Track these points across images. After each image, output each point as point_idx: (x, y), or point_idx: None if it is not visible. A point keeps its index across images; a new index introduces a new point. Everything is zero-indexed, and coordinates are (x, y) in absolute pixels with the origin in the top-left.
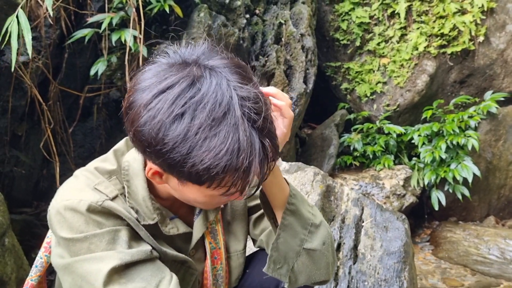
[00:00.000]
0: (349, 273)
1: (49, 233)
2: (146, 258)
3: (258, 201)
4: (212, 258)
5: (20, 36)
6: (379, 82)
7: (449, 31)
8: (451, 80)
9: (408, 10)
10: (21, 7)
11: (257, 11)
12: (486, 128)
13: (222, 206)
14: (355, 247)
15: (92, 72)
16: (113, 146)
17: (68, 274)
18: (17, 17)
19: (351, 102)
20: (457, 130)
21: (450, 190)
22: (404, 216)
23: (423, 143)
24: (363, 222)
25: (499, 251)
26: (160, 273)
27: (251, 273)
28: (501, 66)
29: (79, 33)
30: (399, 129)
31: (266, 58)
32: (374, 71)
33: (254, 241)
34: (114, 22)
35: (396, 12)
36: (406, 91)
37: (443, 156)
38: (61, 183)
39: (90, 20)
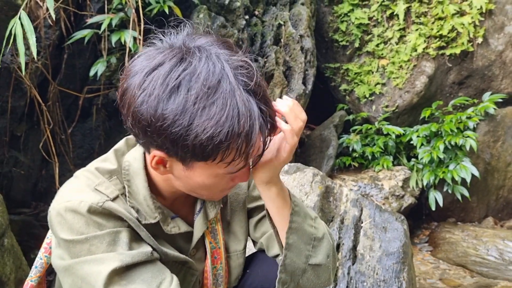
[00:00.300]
0: (348, 273)
1: (49, 233)
2: (147, 259)
3: (258, 203)
4: (212, 257)
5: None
6: (378, 83)
7: (448, 33)
8: (449, 82)
9: (407, 11)
10: (22, 9)
11: (256, 12)
12: (484, 129)
13: (221, 205)
14: (354, 247)
15: (91, 73)
16: (112, 147)
17: (68, 275)
18: (19, 19)
19: (350, 103)
20: (456, 131)
21: (449, 191)
22: (403, 217)
23: (422, 144)
24: (362, 222)
25: (498, 252)
26: (160, 274)
27: (252, 273)
28: (499, 67)
29: (79, 34)
30: (398, 130)
31: (265, 59)
32: (373, 72)
33: (254, 243)
34: (113, 23)
35: (395, 13)
36: (405, 92)
37: (442, 157)
38: (60, 183)
39: (90, 21)
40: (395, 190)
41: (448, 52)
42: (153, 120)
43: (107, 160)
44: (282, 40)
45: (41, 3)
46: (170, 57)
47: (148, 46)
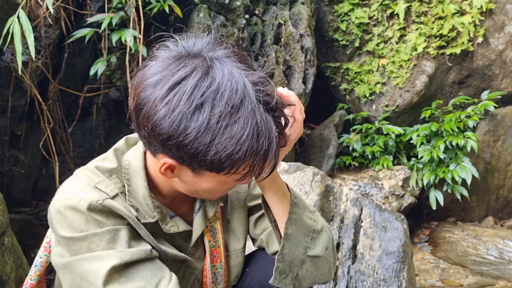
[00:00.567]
0: (348, 273)
1: (49, 232)
2: (146, 257)
3: (258, 202)
4: (211, 256)
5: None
6: (378, 82)
7: (448, 32)
8: (450, 81)
9: (407, 11)
10: (21, 7)
11: (256, 12)
12: (485, 128)
13: (221, 204)
14: (354, 247)
15: (92, 72)
16: (112, 146)
17: (68, 273)
18: (18, 18)
19: (350, 103)
20: (456, 130)
21: (449, 191)
22: (403, 216)
23: (422, 143)
24: (362, 222)
25: (498, 251)
26: (159, 272)
27: (251, 272)
28: (499, 67)
29: (79, 33)
30: (398, 129)
31: (265, 59)
32: (373, 72)
33: (253, 240)
34: (113, 22)
35: (395, 12)
36: (405, 92)
37: (442, 156)
38: (60, 182)
39: (90, 20)
40: (395, 189)
41: (448, 51)
42: (174, 135)
43: (107, 159)
44: (282, 40)
45: (41, 2)
46: (193, 70)
47: (160, 49)
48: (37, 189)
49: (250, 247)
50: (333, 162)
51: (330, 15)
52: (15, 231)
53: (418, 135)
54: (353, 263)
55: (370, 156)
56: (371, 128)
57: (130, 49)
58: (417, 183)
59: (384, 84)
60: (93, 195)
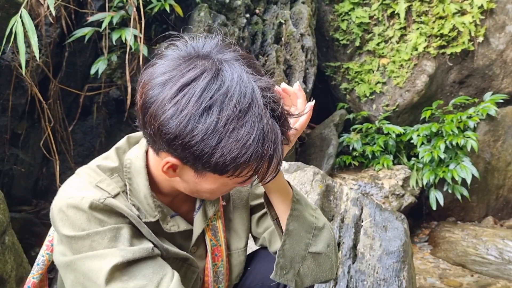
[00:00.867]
0: (348, 272)
1: (51, 231)
2: (148, 255)
3: (261, 200)
4: (213, 255)
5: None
6: (378, 82)
7: (449, 32)
8: (450, 81)
9: (408, 10)
10: (23, 7)
11: (257, 11)
12: (485, 128)
13: (223, 203)
14: (354, 246)
15: (92, 71)
16: (113, 144)
17: (70, 271)
18: (20, 17)
19: (350, 102)
20: (456, 131)
21: (449, 191)
22: (403, 216)
23: (422, 143)
24: (362, 221)
25: (497, 251)
26: (161, 270)
27: (253, 271)
28: (500, 66)
29: (80, 32)
30: (398, 129)
31: (266, 58)
32: (373, 71)
33: (255, 239)
34: (114, 21)
35: (396, 12)
36: (406, 91)
37: (442, 157)
38: (60, 181)
39: (91, 19)
40: (395, 189)
41: (448, 51)
42: (181, 135)
43: (108, 158)
44: (282, 39)
45: (42, 1)
46: (202, 72)
47: (169, 49)
48: (38, 188)
49: (252, 247)
50: (333, 161)
51: (330, 15)
52: (15, 230)
53: (418, 135)
54: (353, 263)
55: (370, 156)
56: (371, 127)
57: (131, 48)
58: (417, 182)
59: (384, 83)
60: (95, 194)
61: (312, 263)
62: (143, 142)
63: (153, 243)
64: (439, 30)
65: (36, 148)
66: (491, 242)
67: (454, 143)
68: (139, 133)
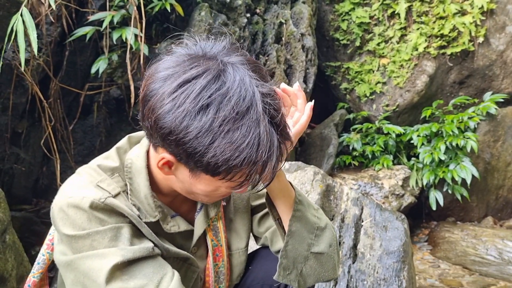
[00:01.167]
0: (349, 272)
1: (51, 230)
2: (148, 255)
3: (262, 201)
4: (213, 255)
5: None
6: (378, 82)
7: (449, 32)
8: (450, 81)
9: (408, 10)
10: (24, 5)
11: (257, 10)
12: (485, 129)
13: (224, 203)
14: (354, 246)
15: (93, 70)
16: (114, 144)
17: (71, 270)
18: (21, 15)
19: (350, 102)
20: (456, 132)
21: (449, 191)
22: (403, 216)
23: (422, 144)
24: (362, 221)
25: (497, 251)
26: (162, 270)
27: (254, 270)
28: (500, 67)
29: (80, 31)
30: (398, 129)
31: (267, 57)
32: (373, 71)
33: (257, 239)
34: (115, 20)
35: (396, 12)
36: (406, 92)
37: (442, 157)
38: (61, 180)
39: (91, 18)
40: (395, 189)
41: (449, 51)
42: (175, 131)
43: (109, 158)
44: (283, 39)
45: (43, 0)
46: (205, 71)
47: (179, 46)
48: (38, 187)
49: (252, 247)
50: (333, 161)
51: (331, 14)
52: (16, 228)
53: (418, 136)
54: (353, 263)
55: (370, 156)
56: (371, 127)
57: (131, 47)
58: (417, 183)
59: (384, 83)
60: (95, 193)
61: (314, 263)
62: (144, 142)
63: (153, 243)
64: (439, 31)
65: (36, 147)
66: (491, 243)
67: (454, 143)
68: (140, 133)
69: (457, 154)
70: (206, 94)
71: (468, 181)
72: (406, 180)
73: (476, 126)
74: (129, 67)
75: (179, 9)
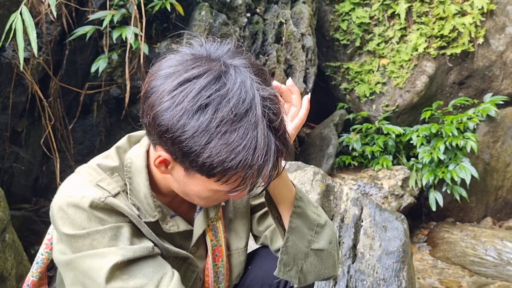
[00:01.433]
0: (348, 272)
1: (50, 229)
2: (148, 254)
3: (261, 200)
4: (213, 255)
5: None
6: (378, 82)
7: (449, 33)
8: (450, 81)
9: (408, 11)
10: (24, 4)
11: (258, 10)
12: (484, 129)
13: (223, 203)
14: (354, 246)
15: (93, 69)
16: (114, 143)
17: (70, 270)
18: (20, 14)
19: (350, 102)
20: (456, 132)
21: (448, 191)
22: (403, 216)
23: (422, 144)
24: (362, 221)
25: (496, 252)
26: (161, 269)
27: (253, 270)
28: (500, 68)
29: (80, 30)
30: (398, 129)
31: (267, 57)
32: (373, 72)
33: (256, 238)
34: (115, 20)
35: (396, 12)
36: (405, 92)
37: (442, 157)
38: (61, 179)
39: (91, 17)
40: (394, 189)
41: (449, 52)
42: (172, 129)
43: (109, 157)
44: (283, 38)
45: None
46: (206, 71)
47: (185, 45)
48: (38, 186)
49: (251, 246)
50: (333, 161)
51: (331, 15)
52: (15, 227)
53: (418, 136)
54: (353, 263)
55: (369, 156)
56: (371, 128)
57: (131, 47)
58: (416, 183)
59: (384, 84)
60: (95, 193)
61: (315, 260)
62: (144, 141)
63: (153, 242)
64: (439, 31)
65: (36, 146)
66: (490, 243)
67: (453, 144)
68: (140, 132)
69: (456, 154)
70: (205, 94)
71: (468, 182)
72: (405, 180)
73: (475, 126)
74: (127, 67)
75: (179, 8)
